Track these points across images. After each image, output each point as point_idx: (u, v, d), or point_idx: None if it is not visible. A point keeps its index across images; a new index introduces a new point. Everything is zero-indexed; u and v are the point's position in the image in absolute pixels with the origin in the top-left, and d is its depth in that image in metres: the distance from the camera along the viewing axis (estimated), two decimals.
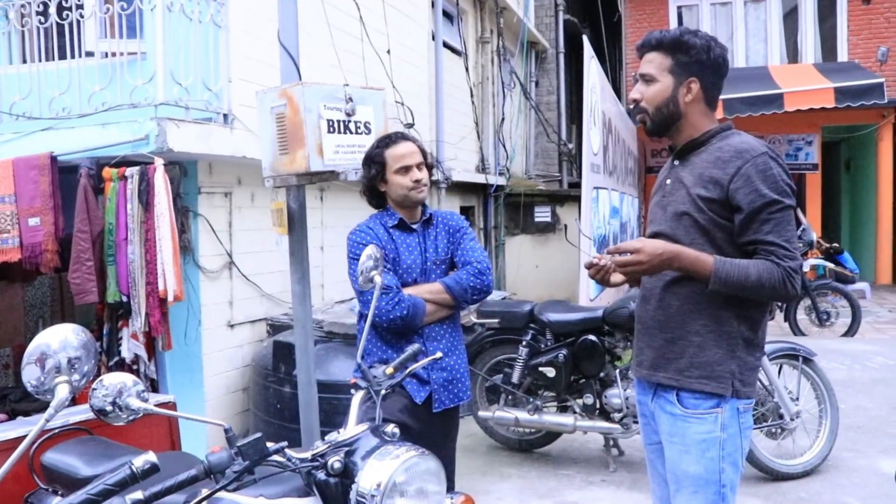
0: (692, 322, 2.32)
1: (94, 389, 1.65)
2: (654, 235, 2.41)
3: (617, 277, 2.44)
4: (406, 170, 3.01)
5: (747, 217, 2.21)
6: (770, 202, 2.19)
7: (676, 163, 2.44)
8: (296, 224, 3.75)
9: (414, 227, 3.08)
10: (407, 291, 2.94)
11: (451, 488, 2.01)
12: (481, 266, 3.06)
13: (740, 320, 2.31)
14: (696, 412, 2.31)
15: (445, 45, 10.25)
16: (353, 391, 2.23)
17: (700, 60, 2.33)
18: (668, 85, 2.35)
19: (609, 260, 2.39)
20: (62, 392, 1.60)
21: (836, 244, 10.52)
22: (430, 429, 2.92)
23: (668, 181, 2.44)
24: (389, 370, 2.28)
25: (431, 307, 2.98)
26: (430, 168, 3.13)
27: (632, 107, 2.48)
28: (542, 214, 11.80)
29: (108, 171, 4.68)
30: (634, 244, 2.27)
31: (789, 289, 2.20)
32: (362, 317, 3.03)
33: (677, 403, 2.35)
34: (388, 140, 3.08)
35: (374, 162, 3.05)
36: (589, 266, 2.43)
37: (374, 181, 3.06)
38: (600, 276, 2.42)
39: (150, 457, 1.56)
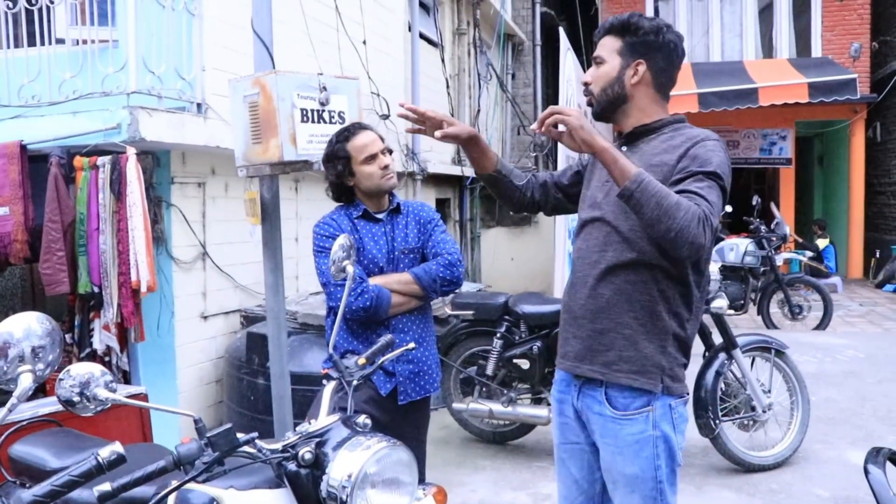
0: (624, 314, 2.24)
1: (61, 380, 1.62)
2: (593, 220, 2.34)
3: (430, 132, 2.40)
4: (372, 158, 2.98)
5: (687, 174, 2.14)
6: (711, 172, 2.14)
7: (624, 149, 2.35)
8: (269, 214, 3.71)
9: (379, 216, 3.05)
10: (375, 281, 2.92)
11: (421, 480, 2.00)
12: (452, 258, 3.04)
13: (671, 316, 2.25)
14: (627, 413, 2.25)
15: (422, 36, 10.22)
16: (324, 382, 2.22)
17: (648, 42, 2.30)
18: (615, 66, 2.32)
19: (433, 113, 2.38)
20: (25, 381, 1.57)
21: (825, 238, 10.56)
22: (398, 420, 2.90)
23: None
24: (362, 361, 2.27)
25: (400, 298, 2.95)
26: (390, 152, 3.09)
27: (584, 91, 2.45)
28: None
29: (79, 161, 4.62)
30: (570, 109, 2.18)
31: (701, 230, 2.01)
32: (331, 310, 3.01)
33: (607, 404, 2.27)
34: (346, 133, 3.03)
35: (338, 157, 3.00)
36: (407, 108, 2.42)
37: (341, 177, 3.02)
38: (414, 120, 2.42)
39: (117, 447, 1.54)
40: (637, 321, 2.24)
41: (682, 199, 2.04)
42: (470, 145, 2.49)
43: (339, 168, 3.00)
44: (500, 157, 2.59)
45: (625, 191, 2.06)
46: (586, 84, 2.39)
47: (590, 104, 2.41)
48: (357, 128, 3.06)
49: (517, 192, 2.62)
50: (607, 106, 2.37)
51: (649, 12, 14.55)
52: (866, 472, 1.73)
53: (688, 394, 2.38)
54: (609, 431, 2.28)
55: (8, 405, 1.55)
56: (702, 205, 2.05)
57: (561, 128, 2.20)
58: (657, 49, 2.31)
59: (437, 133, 2.39)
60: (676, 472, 2.32)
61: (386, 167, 3.00)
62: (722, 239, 9.72)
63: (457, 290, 3.34)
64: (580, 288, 2.35)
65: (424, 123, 2.43)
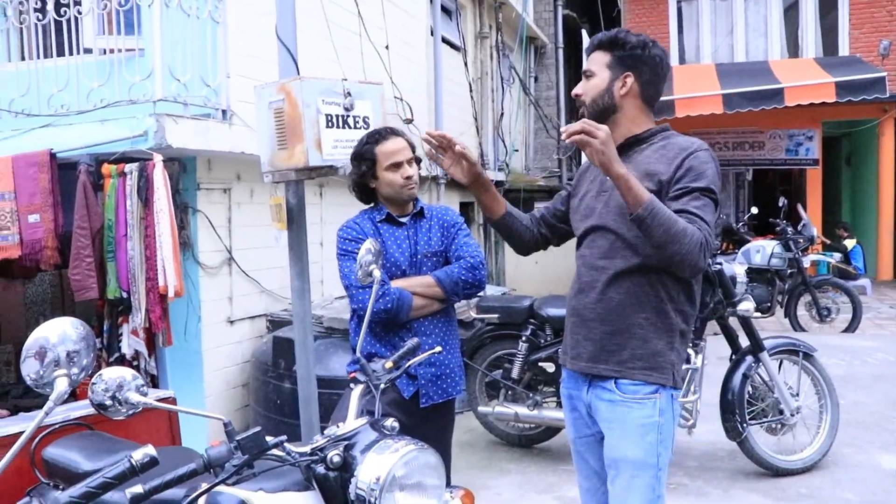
0: (635, 315, 2.37)
1: (94, 384, 1.64)
2: (594, 229, 2.47)
3: (457, 170, 2.55)
4: (397, 166, 2.99)
5: (681, 192, 2.28)
6: (705, 188, 2.29)
7: None
8: (295, 219, 3.74)
9: (402, 220, 3.07)
10: (398, 284, 2.93)
11: (447, 483, 2.01)
12: (474, 261, 3.04)
13: (678, 314, 2.40)
14: (636, 397, 2.37)
15: (444, 40, 10.24)
16: (351, 385, 2.23)
17: (635, 56, 2.43)
18: (605, 78, 2.45)
19: (461, 146, 2.49)
20: (61, 385, 1.59)
21: (852, 238, 10.42)
22: (421, 423, 2.88)
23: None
24: (389, 364, 2.27)
25: (422, 301, 2.96)
26: (418, 162, 3.11)
27: (576, 103, 2.57)
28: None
29: (107, 168, 4.68)
30: (601, 126, 2.21)
31: (701, 256, 2.22)
32: (354, 313, 3.02)
33: (616, 390, 2.40)
34: (377, 136, 3.05)
35: (364, 159, 3.02)
36: (430, 135, 2.53)
37: (364, 178, 3.04)
38: (435, 146, 2.53)
39: (150, 450, 1.56)
40: (648, 321, 2.38)
41: (686, 225, 2.20)
42: (480, 189, 2.62)
43: (363, 169, 3.03)
44: (507, 202, 2.72)
45: (637, 217, 2.19)
46: (577, 96, 2.52)
47: (581, 115, 2.51)
48: (389, 133, 3.07)
49: (528, 232, 2.76)
50: (597, 116, 2.46)
51: (672, 13, 14.49)
52: None
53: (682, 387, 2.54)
54: (617, 415, 2.40)
55: (45, 408, 1.58)
56: (702, 228, 2.22)
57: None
58: (644, 62, 2.44)
59: (457, 147, 2.53)
60: (668, 463, 2.45)
61: (409, 178, 3.01)
62: (748, 241, 9.64)
63: (480, 294, 3.35)
64: (589, 292, 2.47)
65: (445, 152, 2.55)
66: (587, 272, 2.48)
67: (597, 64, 2.48)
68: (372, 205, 3.13)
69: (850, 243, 12.41)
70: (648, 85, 2.46)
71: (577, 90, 2.53)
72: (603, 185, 2.47)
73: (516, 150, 13.38)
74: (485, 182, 2.61)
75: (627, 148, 2.45)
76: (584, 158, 2.43)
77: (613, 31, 2.50)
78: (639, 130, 2.46)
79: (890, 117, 13.20)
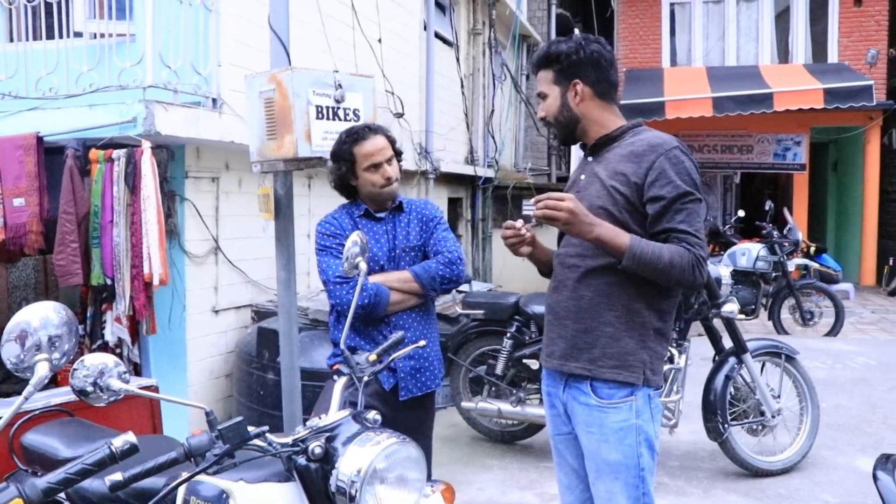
0: (605, 313, 2.37)
1: (75, 370, 1.64)
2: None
3: (525, 249, 2.54)
4: (376, 167, 2.98)
5: (662, 207, 2.28)
6: (683, 193, 2.28)
7: (590, 159, 2.51)
8: (282, 210, 3.73)
9: (381, 215, 3.07)
10: (375, 279, 2.92)
11: (427, 477, 2.01)
12: (452, 256, 3.04)
13: (651, 311, 2.38)
14: (612, 402, 2.37)
15: (437, 35, 10.23)
16: (335, 377, 2.23)
17: (573, 62, 2.42)
18: (557, 94, 2.47)
19: (529, 229, 2.48)
20: (42, 370, 1.58)
21: (817, 245, 10.58)
22: (401, 416, 2.89)
23: (583, 177, 2.50)
24: (372, 357, 2.28)
25: (399, 296, 2.96)
26: (398, 155, 3.09)
27: (543, 125, 2.61)
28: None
29: (94, 153, 4.65)
30: (563, 195, 2.27)
31: (697, 275, 2.26)
32: (333, 307, 3.02)
33: (592, 394, 2.39)
34: (355, 136, 3.01)
35: (343, 159, 3.00)
36: (508, 228, 2.50)
37: (344, 178, 3.04)
38: (512, 243, 2.51)
39: (130, 437, 1.55)
40: (618, 319, 2.37)
41: (673, 250, 2.24)
42: (538, 252, 2.64)
43: (342, 169, 3.02)
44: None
45: (624, 267, 2.26)
46: (543, 118, 2.55)
47: (554, 136, 2.52)
48: (368, 131, 3.03)
49: None
50: (566, 131, 2.51)
51: (665, 15, 14.51)
52: (875, 478, 1.73)
53: (662, 385, 2.51)
54: (595, 420, 2.40)
55: (24, 393, 1.57)
56: (693, 247, 2.25)
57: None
58: (585, 64, 2.43)
59: (527, 234, 2.52)
60: (654, 461, 2.44)
61: (388, 179, 3.00)
62: (734, 243, 9.68)
63: (463, 289, 3.35)
64: (562, 290, 2.49)
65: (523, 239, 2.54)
66: (561, 270, 2.51)
67: (545, 83, 2.49)
68: (353, 200, 3.12)
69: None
70: (599, 82, 2.45)
71: (539, 112, 2.57)
72: (577, 185, 2.51)
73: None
74: (538, 245, 2.62)
75: (600, 147, 2.47)
76: (573, 160, 2.45)
77: (544, 46, 2.52)
78: (609, 129, 2.46)
79: (876, 125, 13.29)
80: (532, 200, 2.34)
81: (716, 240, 10.52)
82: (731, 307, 4.71)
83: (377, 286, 2.90)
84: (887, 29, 13.73)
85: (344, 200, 3.16)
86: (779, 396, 4.80)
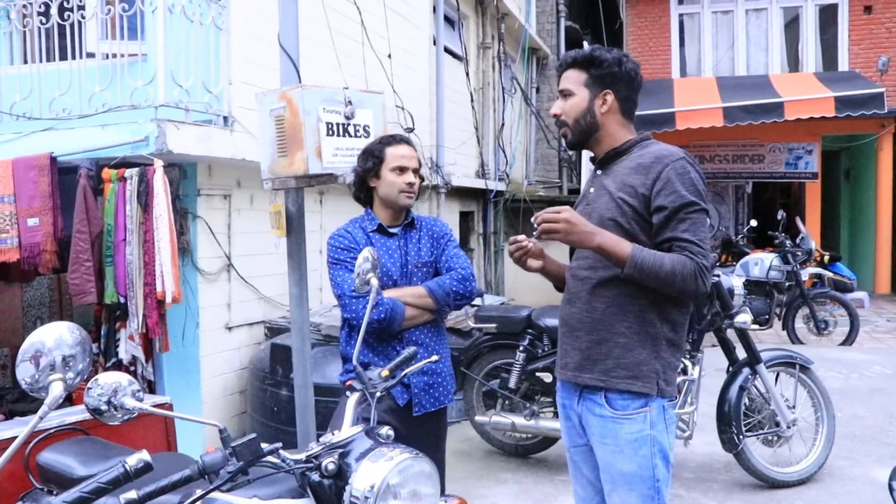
0: (618, 324, 2.39)
1: (90, 388, 1.65)
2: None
3: (534, 263, 2.55)
4: (402, 170, 3.04)
5: (666, 216, 2.31)
6: (688, 203, 2.31)
7: (599, 172, 2.55)
8: (294, 226, 3.75)
9: (394, 230, 3.09)
10: (390, 294, 2.95)
11: (441, 492, 2.01)
12: (465, 272, 3.09)
13: (663, 322, 2.40)
14: (626, 413, 2.38)
15: (446, 49, 10.27)
16: (347, 393, 2.23)
17: (612, 73, 2.46)
18: (585, 97, 2.48)
19: (533, 243, 2.48)
20: (56, 390, 1.60)
21: (831, 253, 10.51)
22: (414, 432, 2.90)
23: (592, 189, 2.53)
24: (385, 372, 2.28)
25: (413, 311, 2.99)
26: (421, 178, 3.16)
27: (554, 121, 2.60)
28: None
29: (107, 172, 4.68)
30: (559, 208, 2.30)
31: (699, 284, 2.28)
32: (345, 322, 3.04)
33: (606, 405, 2.41)
34: (391, 139, 3.11)
35: (373, 155, 3.06)
36: (512, 243, 2.51)
37: (367, 174, 3.07)
38: (518, 256, 2.52)
39: (144, 455, 1.56)
40: (631, 329, 2.38)
41: (675, 259, 2.26)
42: (549, 266, 2.66)
43: (368, 164, 3.06)
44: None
45: (626, 276, 2.29)
46: (556, 116, 2.55)
47: (564, 135, 2.57)
48: (402, 140, 3.13)
49: None
50: (582, 136, 2.53)
51: (674, 26, 14.52)
52: (891, 489, 1.72)
53: (675, 396, 2.52)
54: (609, 431, 2.41)
55: (39, 413, 1.58)
56: (695, 256, 2.27)
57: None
58: (620, 79, 2.47)
59: (532, 246, 2.52)
60: (670, 473, 2.44)
61: (410, 184, 3.05)
62: (747, 253, 9.64)
63: (476, 303, 3.37)
64: (575, 302, 2.51)
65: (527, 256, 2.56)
66: (574, 283, 2.53)
67: (573, 82, 2.50)
68: (364, 212, 3.15)
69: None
70: (626, 100, 2.50)
71: (554, 109, 2.56)
72: (586, 198, 2.53)
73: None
74: (548, 260, 2.65)
75: (608, 161, 2.50)
76: (583, 172, 2.47)
77: (588, 48, 2.54)
78: (617, 144, 2.49)
79: (888, 132, 13.22)
80: (532, 218, 2.36)
81: (728, 250, 10.48)
82: (744, 317, 4.70)
83: (393, 301, 2.92)
84: None
85: (354, 215, 3.18)
86: (794, 407, 4.78)
